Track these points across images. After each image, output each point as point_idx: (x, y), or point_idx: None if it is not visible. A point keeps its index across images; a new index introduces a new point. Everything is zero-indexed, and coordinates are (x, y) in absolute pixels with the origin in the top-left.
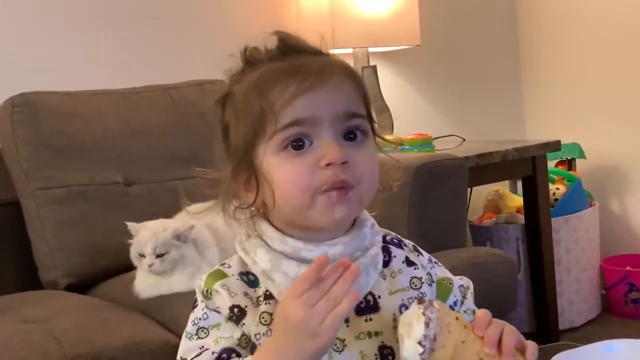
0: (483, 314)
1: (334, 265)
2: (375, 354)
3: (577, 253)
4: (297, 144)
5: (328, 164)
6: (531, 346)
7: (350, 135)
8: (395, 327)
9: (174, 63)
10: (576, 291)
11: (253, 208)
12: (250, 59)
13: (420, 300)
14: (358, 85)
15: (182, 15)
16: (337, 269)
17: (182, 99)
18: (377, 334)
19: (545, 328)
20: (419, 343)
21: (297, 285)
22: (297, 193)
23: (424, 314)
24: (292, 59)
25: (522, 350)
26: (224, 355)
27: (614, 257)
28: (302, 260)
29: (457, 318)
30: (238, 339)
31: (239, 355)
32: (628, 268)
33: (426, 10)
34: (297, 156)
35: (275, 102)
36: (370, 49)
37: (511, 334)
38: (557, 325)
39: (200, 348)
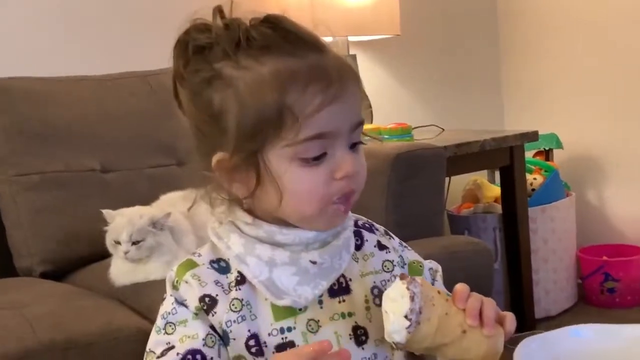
0: (462, 287)
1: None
2: (350, 334)
3: (554, 243)
4: (317, 156)
5: (343, 176)
6: (509, 317)
7: (354, 144)
8: (367, 309)
9: (151, 49)
10: (552, 280)
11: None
12: (250, 40)
13: (402, 276)
14: (360, 86)
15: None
16: (334, 356)
17: (160, 85)
18: (350, 314)
19: (521, 317)
20: (405, 317)
21: (290, 357)
22: (311, 203)
23: (408, 288)
24: (304, 54)
25: (500, 322)
26: (189, 357)
27: (590, 247)
28: (276, 244)
29: (438, 292)
30: (204, 339)
31: (204, 358)
32: (604, 258)
33: (406, 0)
34: (312, 166)
35: (301, 110)
36: (350, 38)
37: (490, 305)
38: (533, 314)
39: (167, 344)
